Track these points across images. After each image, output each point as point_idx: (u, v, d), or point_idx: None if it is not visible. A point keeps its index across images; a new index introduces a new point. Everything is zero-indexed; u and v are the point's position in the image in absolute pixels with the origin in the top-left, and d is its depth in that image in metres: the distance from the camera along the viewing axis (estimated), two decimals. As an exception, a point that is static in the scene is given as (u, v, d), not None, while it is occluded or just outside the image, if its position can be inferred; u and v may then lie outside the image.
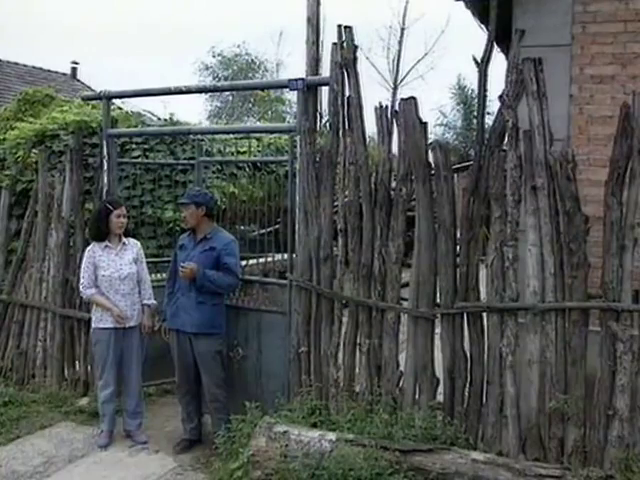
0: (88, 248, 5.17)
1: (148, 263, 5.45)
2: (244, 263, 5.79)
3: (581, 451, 3.86)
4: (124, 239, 5.17)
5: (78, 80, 22.02)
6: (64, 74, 21.75)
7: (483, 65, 4.12)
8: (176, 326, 4.96)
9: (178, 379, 5.08)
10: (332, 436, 4.01)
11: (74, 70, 22.36)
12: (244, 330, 5.20)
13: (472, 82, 30.24)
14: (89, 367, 5.85)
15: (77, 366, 6.00)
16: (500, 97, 4.03)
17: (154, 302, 5.25)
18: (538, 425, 3.96)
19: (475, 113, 25.38)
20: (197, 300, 4.86)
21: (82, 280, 5.11)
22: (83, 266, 5.12)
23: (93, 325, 5.12)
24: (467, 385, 4.23)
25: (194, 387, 5.02)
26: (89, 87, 20.32)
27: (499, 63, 4.32)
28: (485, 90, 4.23)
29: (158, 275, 6.33)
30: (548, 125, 3.90)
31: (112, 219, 5.04)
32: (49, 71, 21.20)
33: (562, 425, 3.90)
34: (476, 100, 5.12)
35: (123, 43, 49.65)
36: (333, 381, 4.68)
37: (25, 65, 20.35)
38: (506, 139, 4.04)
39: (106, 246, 5.10)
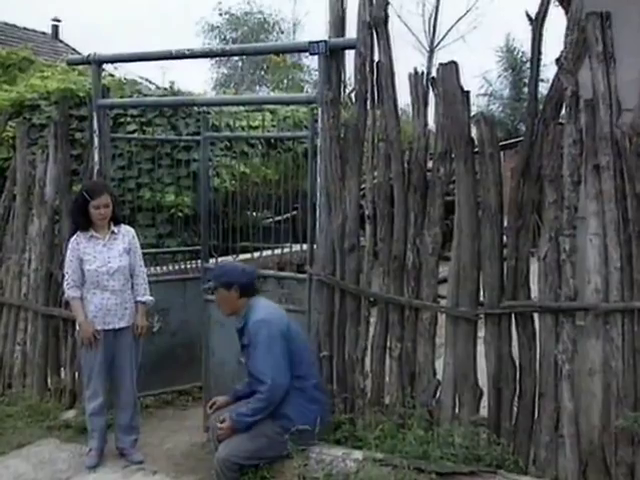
0: (72, 239, 5.09)
1: (145, 255, 5.46)
2: (257, 254, 5.78)
3: (654, 479, 3.84)
4: (113, 227, 5.09)
5: (61, 41, 21.71)
6: (44, 33, 21.41)
7: (538, 22, 4.07)
8: None
9: None
10: (358, 455, 4.06)
11: (56, 29, 21.99)
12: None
13: (523, 43, 30.15)
14: (76, 374, 5.87)
15: (62, 373, 6.04)
16: (557, 60, 4.00)
17: (150, 298, 5.19)
18: (602, 447, 3.94)
19: (526, 80, 25.20)
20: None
21: (66, 276, 5.07)
22: (67, 260, 5.08)
23: (79, 326, 5.12)
24: (516, 398, 4.23)
25: None
26: (74, 49, 20.20)
27: (557, 20, 4.26)
28: (539, 53, 4.17)
29: (157, 268, 6.37)
30: (615, 93, 3.87)
31: (90, 210, 4.96)
32: (26, 29, 20.56)
33: (631, 448, 3.88)
34: (528, 65, 5.06)
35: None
36: (359, 391, 4.71)
37: (-4, 22, 20.11)
38: (564, 110, 4.01)
39: (92, 236, 5.03)
